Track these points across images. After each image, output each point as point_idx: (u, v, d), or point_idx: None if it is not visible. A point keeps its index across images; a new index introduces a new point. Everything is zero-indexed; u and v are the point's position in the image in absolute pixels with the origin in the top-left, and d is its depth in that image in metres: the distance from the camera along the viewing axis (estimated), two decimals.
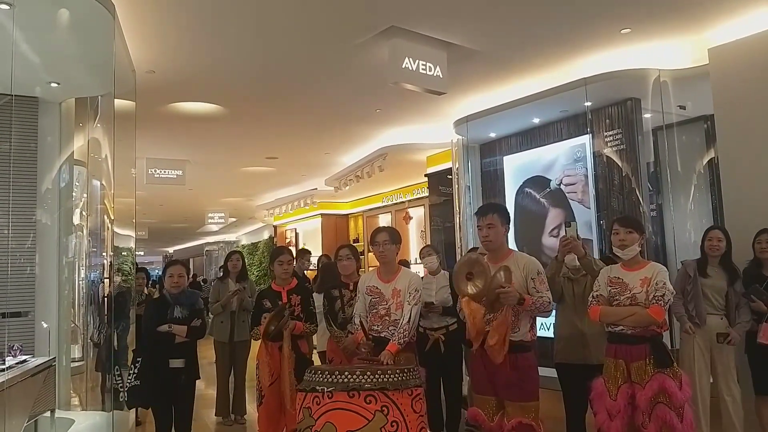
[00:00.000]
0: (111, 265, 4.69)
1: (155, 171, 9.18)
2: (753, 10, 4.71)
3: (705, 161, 6.35)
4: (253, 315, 4.32)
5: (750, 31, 4.85)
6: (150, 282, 7.38)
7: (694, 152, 6.36)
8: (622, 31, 5.15)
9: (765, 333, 3.89)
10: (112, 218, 4.68)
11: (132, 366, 4.46)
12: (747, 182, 4.80)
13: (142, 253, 29.80)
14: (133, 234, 5.58)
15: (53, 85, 4.76)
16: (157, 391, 4.10)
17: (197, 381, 4.30)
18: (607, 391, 3.16)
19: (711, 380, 4.24)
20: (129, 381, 4.37)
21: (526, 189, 7.16)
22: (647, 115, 6.08)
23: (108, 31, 3.97)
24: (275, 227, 16.95)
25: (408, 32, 4.94)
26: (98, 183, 4.96)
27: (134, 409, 5.05)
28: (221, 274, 5.96)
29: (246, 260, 6.71)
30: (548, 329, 4.84)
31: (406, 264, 5.91)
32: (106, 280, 4.67)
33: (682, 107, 6.14)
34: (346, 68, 5.77)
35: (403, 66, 4.96)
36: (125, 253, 5.99)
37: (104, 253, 4.78)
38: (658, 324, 3.07)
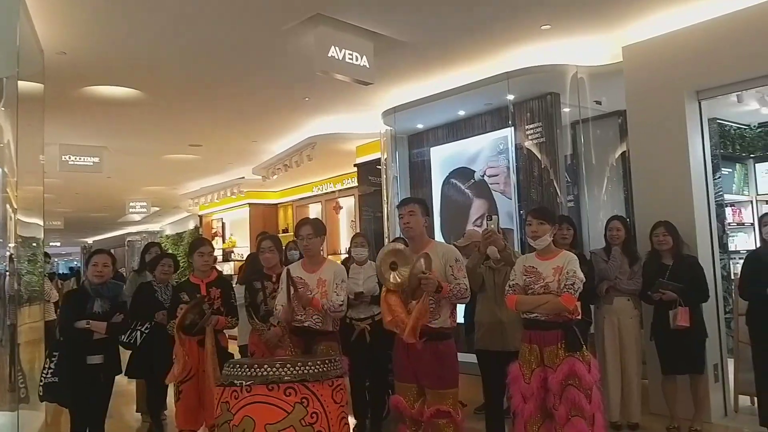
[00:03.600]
0: (11, 256, 4.41)
1: (69, 158, 8.64)
2: (665, 10, 4.94)
3: (618, 154, 6.66)
4: (169, 308, 4.19)
5: (662, 30, 5.10)
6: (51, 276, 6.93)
7: (608, 146, 6.65)
8: (543, 27, 5.29)
9: (683, 316, 4.19)
10: (15, 207, 4.41)
11: (47, 360, 4.23)
12: (656, 175, 5.07)
13: (58, 244, 28.32)
14: (41, 223, 5.26)
15: None
16: (73, 389, 3.91)
17: (118, 376, 4.14)
18: (522, 375, 3.27)
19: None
20: (44, 376, 4.14)
21: (452, 180, 7.28)
22: (566, 110, 6.30)
23: (12, 9, 3.73)
24: (201, 217, 16.45)
25: (334, 20, 4.89)
26: (0, 170, 4.65)
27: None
28: (138, 267, 5.73)
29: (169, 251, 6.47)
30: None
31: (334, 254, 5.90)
32: (7, 273, 4.40)
33: (598, 102, 6.41)
34: (272, 55, 5.65)
35: (329, 55, 4.91)
36: (35, 244, 5.64)
37: (9, 245, 4.49)
38: (570, 311, 3.20)
